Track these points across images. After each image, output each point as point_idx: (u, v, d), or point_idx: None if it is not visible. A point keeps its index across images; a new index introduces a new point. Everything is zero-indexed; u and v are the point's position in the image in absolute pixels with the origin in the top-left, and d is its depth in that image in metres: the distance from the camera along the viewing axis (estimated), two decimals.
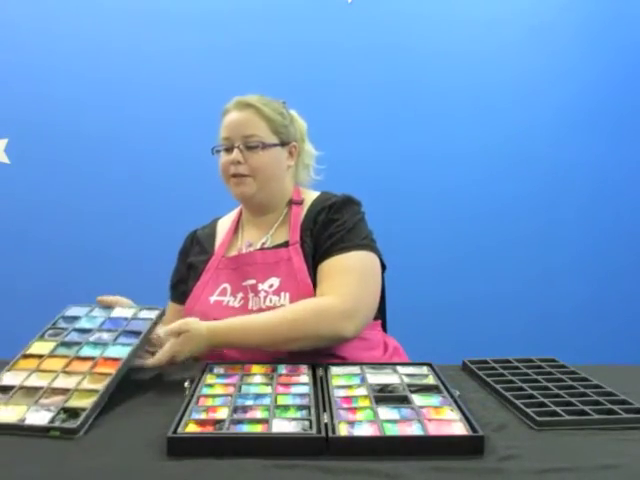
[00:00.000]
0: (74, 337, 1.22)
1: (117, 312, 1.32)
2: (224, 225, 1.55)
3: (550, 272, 2.66)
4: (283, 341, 1.24)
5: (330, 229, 1.37)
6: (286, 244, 1.39)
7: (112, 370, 1.10)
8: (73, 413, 0.98)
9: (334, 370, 1.15)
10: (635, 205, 2.69)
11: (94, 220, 2.53)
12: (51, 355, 1.16)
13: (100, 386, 1.05)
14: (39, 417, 0.96)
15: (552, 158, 2.65)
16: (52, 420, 0.96)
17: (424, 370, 1.16)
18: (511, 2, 2.63)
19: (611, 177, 2.68)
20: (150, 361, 1.19)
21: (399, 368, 1.16)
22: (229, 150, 1.41)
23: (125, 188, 2.54)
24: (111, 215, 2.53)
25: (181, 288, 1.49)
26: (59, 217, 2.52)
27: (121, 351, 1.16)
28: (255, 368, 1.16)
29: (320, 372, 1.14)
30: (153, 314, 1.29)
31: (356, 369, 1.15)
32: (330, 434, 0.87)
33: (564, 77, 2.64)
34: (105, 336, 1.22)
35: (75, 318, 1.29)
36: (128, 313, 1.31)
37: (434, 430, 0.88)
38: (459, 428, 0.89)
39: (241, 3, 2.55)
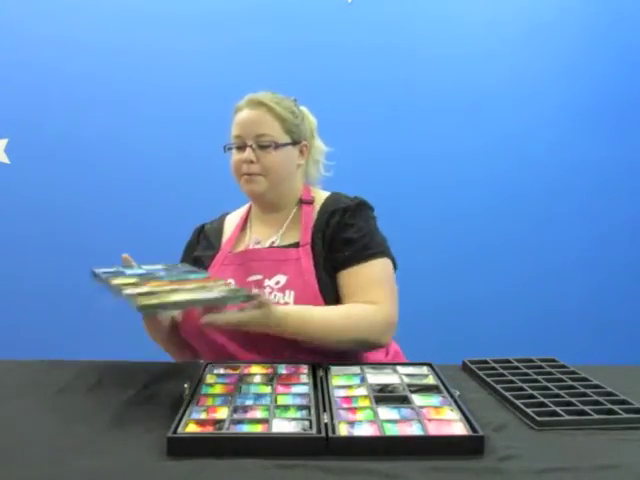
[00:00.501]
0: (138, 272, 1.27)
1: (148, 267, 1.33)
2: (232, 221, 1.54)
3: (550, 272, 2.66)
4: (335, 340, 1.25)
5: (346, 234, 1.36)
6: (296, 245, 1.39)
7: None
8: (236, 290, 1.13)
9: (334, 370, 1.15)
10: (636, 205, 2.69)
11: (94, 220, 2.52)
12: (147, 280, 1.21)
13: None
14: (213, 294, 1.10)
15: (552, 158, 2.65)
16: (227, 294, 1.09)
17: (424, 370, 1.16)
18: (511, 2, 2.63)
19: (611, 176, 2.67)
20: (221, 318, 1.16)
21: (399, 368, 1.16)
22: (241, 148, 1.39)
23: (125, 188, 2.53)
24: (111, 215, 2.53)
25: None
26: (59, 217, 2.52)
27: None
28: (255, 368, 1.16)
29: (320, 372, 1.14)
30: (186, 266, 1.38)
31: (356, 369, 1.15)
32: (330, 434, 0.87)
33: (564, 77, 2.64)
34: (175, 271, 1.29)
35: (117, 272, 1.28)
36: (158, 267, 1.34)
37: (434, 430, 0.89)
38: (459, 428, 0.90)
39: (241, 3, 2.54)
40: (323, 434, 0.87)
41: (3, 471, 0.80)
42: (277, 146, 1.38)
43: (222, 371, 1.16)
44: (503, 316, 2.57)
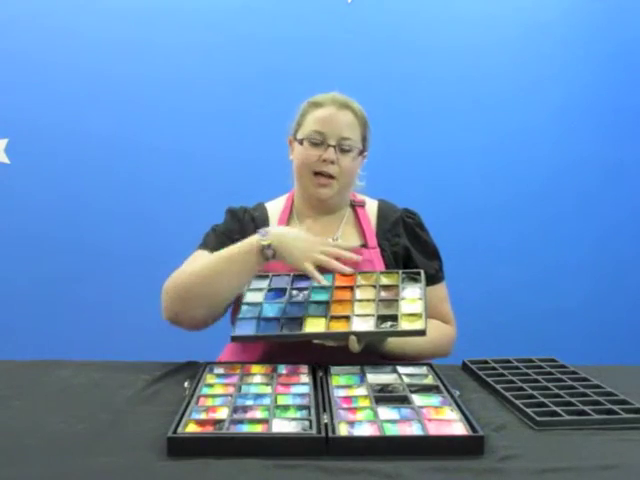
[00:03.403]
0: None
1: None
2: (274, 212, 1.48)
3: (550, 272, 2.66)
4: (422, 355, 1.29)
5: (420, 248, 1.43)
6: (362, 247, 1.39)
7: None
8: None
9: (334, 370, 1.15)
10: (637, 204, 2.69)
11: (95, 220, 2.52)
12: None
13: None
14: (365, 326, 1.15)
15: (552, 156, 2.65)
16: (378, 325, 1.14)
17: (424, 370, 1.16)
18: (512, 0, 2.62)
19: (613, 175, 2.67)
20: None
21: (399, 368, 1.16)
22: (318, 145, 1.36)
23: (125, 187, 2.53)
24: (111, 214, 2.53)
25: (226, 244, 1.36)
26: (59, 217, 2.52)
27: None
28: (255, 368, 1.16)
29: (320, 372, 1.14)
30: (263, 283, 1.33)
31: (356, 369, 1.16)
32: (330, 434, 0.87)
33: (565, 75, 2.63)
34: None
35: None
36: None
37: (434, 430, 0.88)
38: (459, 428, 0.90)
39: (241, 3, 2.54)
40: (323, 434, 0.87)
41: (3, 471, 0.80)
42: (357, 151, 1.38)
43: (222, 371, 1.15)
44: (503, 316, 2.57)
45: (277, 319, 1.20)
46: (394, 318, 1.16)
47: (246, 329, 1.19)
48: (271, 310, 1.23)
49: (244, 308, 1.24)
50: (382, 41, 2.57)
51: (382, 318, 1.17)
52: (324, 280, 1.23)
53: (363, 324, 1.16)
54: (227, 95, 2.53)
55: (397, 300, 1.21)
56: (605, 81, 2.65)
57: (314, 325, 1.17)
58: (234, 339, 1.18)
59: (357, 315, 1.18)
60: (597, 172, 2.66)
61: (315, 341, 1.17)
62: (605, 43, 2.64)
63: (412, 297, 1.23)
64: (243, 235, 1.38)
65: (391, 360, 1.24)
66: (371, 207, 1.49)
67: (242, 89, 2.53)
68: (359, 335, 1.14)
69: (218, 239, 1.40)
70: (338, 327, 1.17)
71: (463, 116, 2.60)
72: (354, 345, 1.14)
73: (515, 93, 2.62)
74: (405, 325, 1.15)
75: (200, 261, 1.31)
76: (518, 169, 2.63)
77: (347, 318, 1.18)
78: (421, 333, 1.13)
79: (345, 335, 1.14)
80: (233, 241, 1.34)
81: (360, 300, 1.23)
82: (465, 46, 2.59)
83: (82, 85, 2.51)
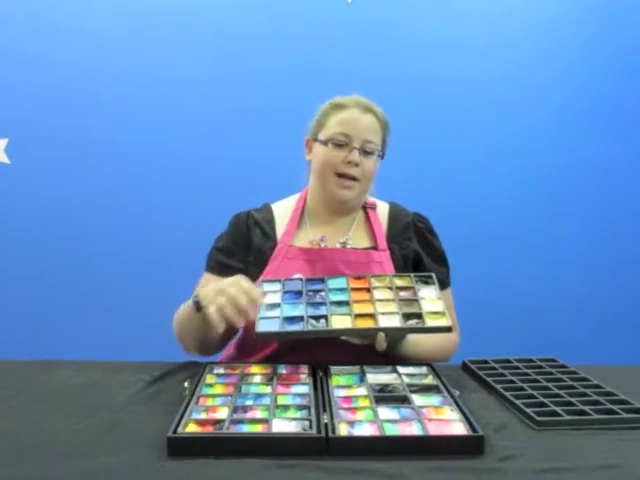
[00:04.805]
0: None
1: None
2: (282, 213, 1.48)
3: (550, 272, 2.66)
4: (429, 358, 1.27)
5: (430, 253, 1.45)
6: (372, 249, 1.41)
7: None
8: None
9: (334, 370, 1.15)
10: (637, 203, 2.69)
11: (94, 220, 2.52)
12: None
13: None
14: (391, 323, 1.17)
15: (552, 155, 2.64)
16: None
17: (424, 370, 1.16)
18: None
19: (613, 175, 2.66)
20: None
21: (399, 368, 1.16)
22: (342, 146, 1.37)
23: (126, 187, 2.53)
24: (112, 214, 2.53)
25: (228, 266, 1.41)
26: (59, 217, 2.51)
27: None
28: (255, 368, 1.16)
29: (320, 372, 1.14)
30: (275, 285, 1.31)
31: (356, 369, 1.16)
32: (330, 434, 0.87)
33: (565, 75, 2.63)
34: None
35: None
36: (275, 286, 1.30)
37: (434, 430, 0.88)
38: (459, 428, 0.90)
39: (240, 2, 2.54)
40: (323, 434, 0.87)
41: (3, 471, 0.80)
42: (378, 155, 1.41)
43: (222, 371, 1.16)
44: (503, 316, 2.57)
45: (300, 317, 1.19)
46: (418, 316, 1.19)
47: (270, 326, 1.17)
48: (292, 309, 1.22)
49: (262, 307, 1.23)
50: (382, 41, 2.56)
51: (406, 316, 1.19)
52: (220, 326, 1.12)
53: (388, 322, 1.18)
54: (226, 95, 2.53)
55: (417, 300, 1.23)
56: (606, 80, 2.65)
57: (340, 322, 1.18)
58: (258, 336, 1.16)
59: (381, 313, 1.20)
60: (597, 172, 2.66)
61: (343, 338, 1.17)
62: (605, 43, 2.63)
63: (431, 297, 1.25)
64: (250, 242, 1.42)
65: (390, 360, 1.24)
66: (382, 210, 1.51)
67: (241, 89, 2.53)
68: (387, 331, 1.16)
69: (219, 259, 1.42)
70: (365, 324, 1.18)
71: (462, 116, 2.60)
72: (382, 342, 1.15)
73: (515, 93, 2.62)
74: (431, 322, 1.17)
75: (180, 308, 1.33)
76: (517, 169, 2.63)
77: (372, 316, 1.19)
78: (447, 330, 1.17)
79: (374, 331, 1.16)
80: (235, 255, 1.40)
81: (380, 300, 1.24)
82: (465, 46, 2.59)
83: (82, 85, 2.51)
